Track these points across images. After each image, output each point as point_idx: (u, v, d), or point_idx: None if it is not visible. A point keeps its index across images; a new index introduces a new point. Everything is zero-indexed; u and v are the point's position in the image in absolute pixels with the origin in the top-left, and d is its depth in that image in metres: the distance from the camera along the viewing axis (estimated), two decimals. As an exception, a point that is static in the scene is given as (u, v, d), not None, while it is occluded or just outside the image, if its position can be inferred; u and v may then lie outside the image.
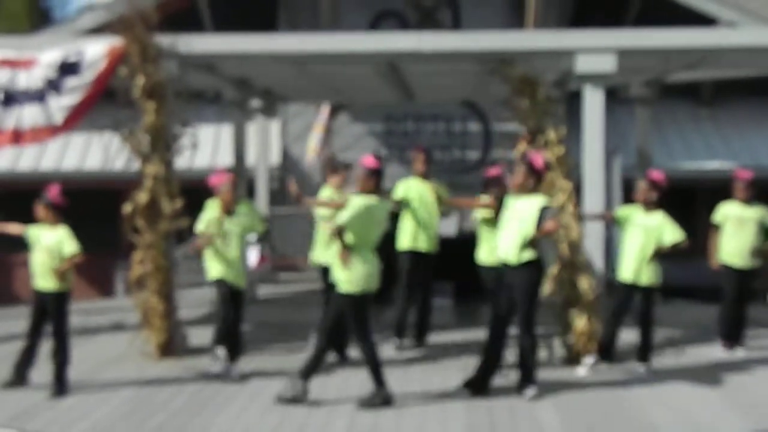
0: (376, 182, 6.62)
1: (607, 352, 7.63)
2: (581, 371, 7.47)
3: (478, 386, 6.80)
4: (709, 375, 7.42)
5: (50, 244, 6.93)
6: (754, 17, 13.04)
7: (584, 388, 7.02)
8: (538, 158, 6.80)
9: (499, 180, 7.87)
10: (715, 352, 8.25)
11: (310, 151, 13.89)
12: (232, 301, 7.42)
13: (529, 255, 6.65)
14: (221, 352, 7.22)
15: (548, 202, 6.79)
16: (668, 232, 7.43)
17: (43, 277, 6.95)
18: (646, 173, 7.92)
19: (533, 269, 6.71)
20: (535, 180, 6.78)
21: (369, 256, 6.53)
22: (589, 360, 7.52)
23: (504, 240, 6.78)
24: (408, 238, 8.21)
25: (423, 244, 8.20)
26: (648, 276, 7.48)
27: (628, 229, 7.60)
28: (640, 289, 7.53)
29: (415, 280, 8.25)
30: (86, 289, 13.78)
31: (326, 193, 8.13)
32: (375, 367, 6.51)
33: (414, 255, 8.20)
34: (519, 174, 6.80)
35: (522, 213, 6.68)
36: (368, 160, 6.66)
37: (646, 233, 7.45)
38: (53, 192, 7.05)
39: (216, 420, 6.22)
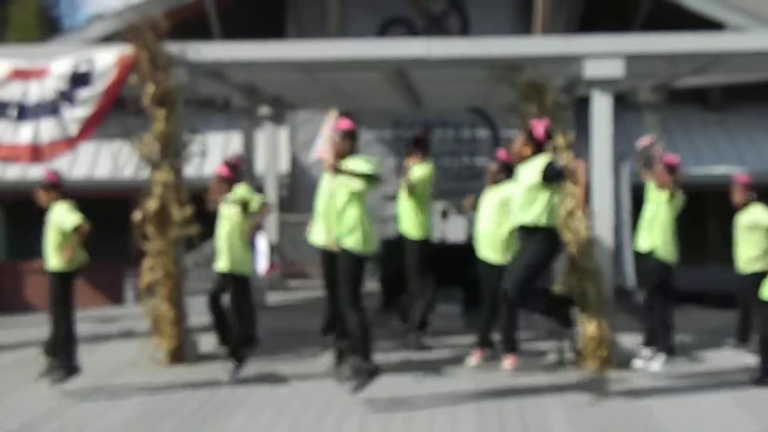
0: (351, 144, 6.57)
1: (669, 346, 7.71)
2: (655, 366, 7.54)
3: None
4: (721, 379, 7.40)
5: (52, 222, 7.02)
6: (762, 22, 13.05)
7: (594, 391, 7.00)
8: (539, 126, 6.72)
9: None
10: (729, 357, 8.23)
11: (318, 151, 13.92)
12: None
13: (544, 220, 6.58)
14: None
15: (552, 158, 6.71)
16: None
17: (50, 256, 7.02)
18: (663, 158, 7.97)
19: (546, 235, 6.62)
20: (534, 148, 6.68)
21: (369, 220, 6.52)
22: (659, 356, 7.58)
23: (516, 204, 6.72)
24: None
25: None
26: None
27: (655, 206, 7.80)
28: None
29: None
30: (96, 297, 13.83)
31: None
32: (363, 335, 6.38)
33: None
34: (517, 142, 6.75)
35: (527, 173, 6.63)
36: (342, 123, 6.65)
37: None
38: (45, 173, 7.18)
39: (226, 427, 6.23)
